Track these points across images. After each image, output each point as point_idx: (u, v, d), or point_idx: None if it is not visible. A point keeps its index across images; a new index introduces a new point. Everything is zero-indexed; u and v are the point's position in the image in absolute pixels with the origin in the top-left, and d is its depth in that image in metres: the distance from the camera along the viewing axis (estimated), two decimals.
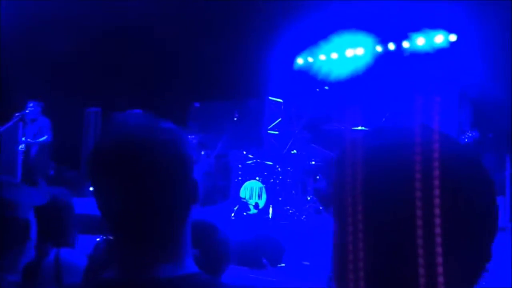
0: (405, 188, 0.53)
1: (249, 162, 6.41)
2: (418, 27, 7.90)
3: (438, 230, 0.51)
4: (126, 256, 0.79)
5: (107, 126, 0.83)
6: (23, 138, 6.96)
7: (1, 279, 1.25)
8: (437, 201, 0.52)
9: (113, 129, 0.81)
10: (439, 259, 0.51)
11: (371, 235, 0.54)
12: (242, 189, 6.11)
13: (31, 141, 6.96)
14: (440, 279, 0.51)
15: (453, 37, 7.65)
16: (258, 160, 6.41)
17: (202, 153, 7.75)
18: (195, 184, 0.83)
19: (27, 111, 6.92)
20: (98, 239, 1.83)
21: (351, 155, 0.58)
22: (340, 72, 8.88)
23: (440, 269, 0.51)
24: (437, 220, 0.51)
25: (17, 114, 6.85)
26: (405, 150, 0.55)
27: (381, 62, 8.61)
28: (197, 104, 9.38)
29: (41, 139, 7.00)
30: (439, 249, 0.51)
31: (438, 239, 0.51)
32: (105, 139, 0.81)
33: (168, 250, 0.79)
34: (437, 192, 0.52)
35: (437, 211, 0.51)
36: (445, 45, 7.76)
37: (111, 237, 1.50)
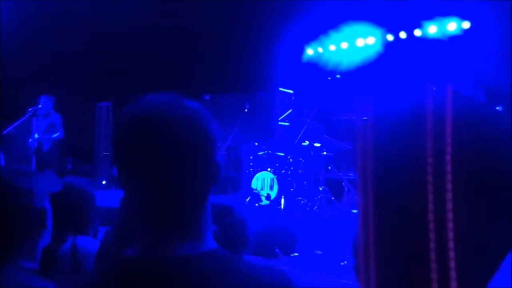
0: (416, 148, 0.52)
1: (261, 153, 6.41)
2: (430, 15, 7.79)
3: (468, 205, 0.50)
4: (147, 234, 0.80)
5: (134, 103, 0.82)
6: (36, 136, 7.02)
7: (19, 266, 1.27)
8: (448, 157, 0.50)
9: (137, 107, 0.81)
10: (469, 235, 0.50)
11: (393, 214, 0.54)
12: (253, 180, 6.12)
13: (43, 137, 7.01)
14: (450, 244, 0.50)
15: (466, 25, 7.53)
16: (270, 151, 6.40)
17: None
18: (218, 165, 0.82)
19: (39, 106, 6.97)
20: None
21: (369, 138, 0.57)
22: (350, 61, 8.81)
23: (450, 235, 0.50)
24: (468, 195, 0.50)
25: (30, 109, 6.91)
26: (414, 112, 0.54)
27: (392, 51, 8.52)
28: (207, 97, 9.39)
29: (53, 136, 7.05)
30: (466, 226, 0.50)
31: (467, 213, 0.50)
32: (131, 113, 0.80)
33: (188, 228, 0.80)
34: (467, 165, 0.50)
35: (467, 186, 0.50)
36: (458, 32, 7.64)
37: (120, 225, 1.52)
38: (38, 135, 7.04)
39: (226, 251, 0.81)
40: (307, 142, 6.11)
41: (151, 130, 0.76)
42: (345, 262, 3.53)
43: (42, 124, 7.06)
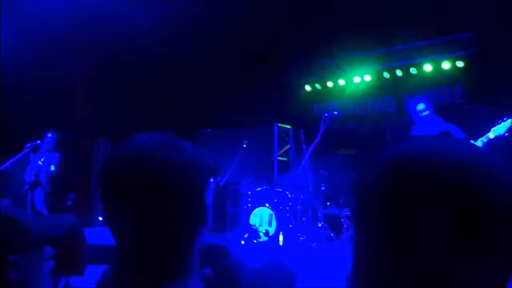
0: (435, 198, 0.51)
1: (259, 189, 6.37)
2: (425, 53, 7.96)
3: (470, 242, 0.49)
4: (133, 275, 0.77)
5: (124, 142, 0.82)
6: (40, 162, 6.96)
7: None
8: (469, 211, 0.50)
9: (128, 146, 0.80)
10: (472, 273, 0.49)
11: (400, 248, 0.53)
12: (252, 216, 6.05)
13: (41, 167, 6.97)
14: None
15: (460, 63, 7.69)
16: (268, 187, 6.37)
17: (212, 180, 7.73)
18: (206, 207, 0.81)
19: (38, 142, 6.96)
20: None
21: (375, 166, 0.57)
22: (347, 97, 8.93)
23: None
24: (470, 231, 0.50)
25: (28, 145, 6.89)
26: (435, 157, 0.54)
27: (389, 87, 8.64)
28: (206, 131, 9.44)
29: (48, 170, 7.02)
30: (470, 263, 0.49)
31: (470, 252, 0.49)
32: (118, 156, 0.80)
33: (174, 269, 0.78)
34: (470, 203, 0.50)
35: (470, 222, 0.50)
36: (453, 70, 7.79)
37: (118, 264, 1.48)
38: (35, 170, 7.00)
39: None
40: (304, 177, 6.09)
41: (141, 170, 0.75)
42: None
43: (39, 158, 7.03)
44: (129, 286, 0.76)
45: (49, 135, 7.01)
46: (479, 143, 3.93)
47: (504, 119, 3.83)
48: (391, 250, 0.53)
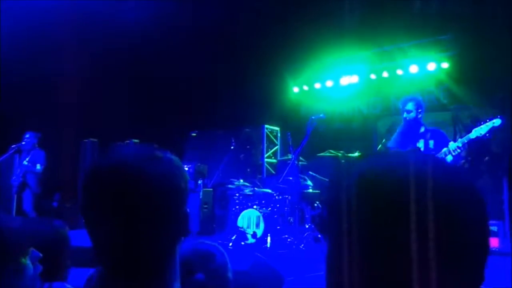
0: (397, 211, 0.53)
1: (247, 191, 6.38)
2: (411, 55, 8.05)
3: (432, 254, 0.51)
4: (112, 282, 0.78)
5: (103, 154, 0.83)
6: (25, 162, 6.86)
7: None
8: (431, 225, 0.52)
9: (109, 157, 0.81)
10: (434, 283, 0.51)
11: (366, 257, 0.54)
12: (239, 218, 6.05)
13: (28, 167, 6.87)
14: None
15: (445, 64, 7.79)
16: (256, 189, 6.38)
17: (200, 182, 7.72)
18: (186, 216, 0.82)
19: (23, 143, 6.88)
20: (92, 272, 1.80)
21: (345, 178, 0.58)
22: (334, 99, 8.98)
23: None
24: (431, 244, 0.51)
25: (13, 146, 6.81)
26: (398, 173, 0.56)
27: (375, 89, 8.72)
28: (194, 133, 9.42)
29: (34, 169, 6.92)
30: (433, 273, 0.51)
31: (432, 263, 0.51)
32: (99, 167, 0.81)
33: (154, 278, 0.78)
34: (431, 216, 0.52)
35: (431, 235, 0.52)
36: (438, 72, 7.89)
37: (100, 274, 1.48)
38: (22, 171, 6.91)
39: None
40: (291, 178, 6.11)
41: (120, 181, 0.76)
42: None
43: (24, 159, 6.94)
44: None
45: (27, 135, 6.90)
46: (459, 143, 3.99)
47: (487, 120, 3.89)
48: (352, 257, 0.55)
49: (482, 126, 3.90)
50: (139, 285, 0.77)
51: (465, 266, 0.55)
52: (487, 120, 3.91)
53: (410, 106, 4.41)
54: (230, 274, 1.95)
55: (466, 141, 3.96)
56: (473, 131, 3.96)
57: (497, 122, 3.86)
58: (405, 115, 4.42)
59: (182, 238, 0.83)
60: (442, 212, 0.53)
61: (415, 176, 0.55)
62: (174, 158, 0.83)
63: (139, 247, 0.77)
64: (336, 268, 0.58)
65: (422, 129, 4.38)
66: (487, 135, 3.85)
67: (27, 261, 1.29)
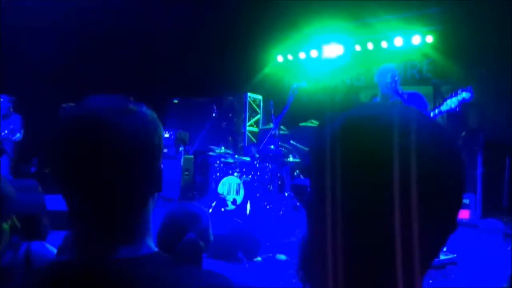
0: (380, 157, 0.55)
1: (227, 158, 6.41)
2: (396, 27, 8.03)
3: (413, 201, 0.53)
4: (84, 238, 0.78)
5: (73, 106, 0.81)
6: (4, 133, 6.74)
7: None
8: (413, 173, 0.53)
9: (79, 109, 0.79)
10: (415, 232, 0.53)
11: (347, 202, 0.56)
12: (220, 185, 6.10)
13: (6, 135, 6.75)
14: (416, 249, 0.53)
15: (430, 38, 7.81)
16: (236, 156, 6.41)
17: (181, 149, 7.71)
18: (159, 172, 0.81)
19: None
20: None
21: (329, 125, 0.59)
22: (319, 69, 8.96)
23: (415, 242, 0.53)
24: (413, 191, 0.53)
25: None
26: (382, 120, 0.57)
27: (359, 60, 8.72)
28: (176, 100, 9.32)
29: (14, 137, 6.81)
30: (414, 221, 0.53)
31: (414, 212, 0.53)
32: (69, 119, 0.79)
33: (127, 233, 0.78)
34: (413, 164, 0.53)
35: (412, 182, 0.53)
36: (422, 45, 7.92)
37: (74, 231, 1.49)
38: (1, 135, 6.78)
39: (165, 255, 0.81)
40: (272, 147, 6.15)
41: (90, 134, 0.75)
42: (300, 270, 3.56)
43: (2, 125, 6.81)
44: (84, 250, 0.77)
45: (1, 99, 6.74)
46: (431, 114, 4.05)
47: (459, 92, 3.93)
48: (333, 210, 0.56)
49: (453, 98, 3.94)
50: (111, 241, 0.77)
51: (442, 215, 0.58)
52: (458, 92, 3.95)
53: (386, 78, 4.42)
54: (211, 236, 2.01)
55: (437, 112, 4.01)
56: (444, 103, 4.00)
57: (466, 95, 3.89)
58: (381, 87, 4.44)
59: (155, 194, 0.83)
60: (424, 161, 0.54)
61: (399, 123, 0.56)
62: (149, 112, 0.81)
63: (112, 202, 0.76)
64: (318, 212, 0.59)
65: (400, 92, 4.40)
66: (457, 109, 3.90)
67: (7, 226, 1.28)
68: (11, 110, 6.86)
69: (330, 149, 0.57)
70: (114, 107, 0.78)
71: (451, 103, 3.93)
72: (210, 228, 1.98)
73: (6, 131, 6.73)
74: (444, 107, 3.97)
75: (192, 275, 0.78)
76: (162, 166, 0.82)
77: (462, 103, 3.89)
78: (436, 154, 0.56)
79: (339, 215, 0.56)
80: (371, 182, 0.55)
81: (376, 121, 0.57)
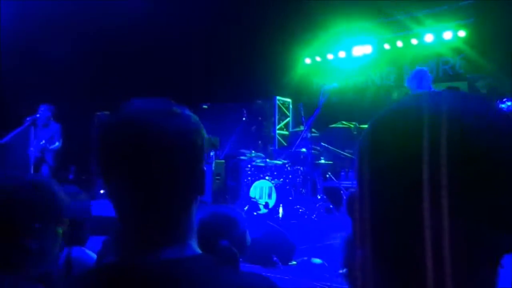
0: (410, 156, 0.51)
1: (258, 161, 6.41)
2: (426, 23, 7.85)
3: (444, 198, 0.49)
4: (130, 240, 0.79)
5: (121, 108, 0.82)
6: (42, 142, 6.98)
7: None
8: (443, 170, 0.49)
9: (125, 112, 0.80)
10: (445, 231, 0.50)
11: (381, 212, 0.54)
12: (252, 189, 6.10)
13: (43, 147, 6.98)
14: (446, 250, 0.50)
15: (462, 33, 7.59)
16: (268, 160, 6.40)
17: (212, 153, 7.76)
18: (202, 174, 0.81)
19: (37, 115, 6.96)
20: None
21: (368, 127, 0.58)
22: (347, 70, 8.86)
23: (446, 240, 0.50)
24: (444, 183, 0.49)
25: (28, 118, 6.89)
26: (411, 115, 0.53)
27: (389, 59, 8.57)
28: (206, 105, 9.40)
29: (53, 146, 7.03)
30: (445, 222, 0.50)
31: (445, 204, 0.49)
32: (115, 122, 0.80)
33: (171, 234, 0.79)
34: (443, 161, 0.49)
35: (444, 174, 0.49)
36: (454, 40, 7.70)
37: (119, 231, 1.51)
38: (36, 145, 7.01)
39: (209, 256, 0.81)
40: (304, 150, 6.11)
41: (136, 135, 0.76)
42: (344, 270, 3.51)
43: (41, 134, 7.05)
44: (130, 252, 0.78)
45: (42, 108, 6.97)
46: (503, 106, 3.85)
47: (504, 100, 3.73)
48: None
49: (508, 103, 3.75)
50: (156, 242, 0.78)
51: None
52: (504, 101, 3.76)
53: (417, 82, 4.33)
54: (249, 240, 1.98)
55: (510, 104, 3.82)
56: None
57: None
58: (413, 92, 4.35)
59: (198, 196, 0.83)
60: (465, 146, 0.49)
61: (428, 113, 0.51)
62: (192, 115, 0.82)
63: (157, 203, 0.77)
64: (357, 211, 0.57)
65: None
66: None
67: (60, 231, 1.31)
68: (51, 119, 7.09)
69: (362, 150, 0.56)
70: (158, 109, 0.79)
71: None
72: (247, 232, 1.96)
73: (43, 141, 6.95)
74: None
75: (236, 276, 0.79)
76: (205, 168, 0.82)
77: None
78: (481, 135, 0.49)
79: (370, 216, 0.54)
80: (401, 182, 0.51)
81: (404, 115, 0.54)
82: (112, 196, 0.79)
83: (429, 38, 7.94)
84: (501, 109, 0.54)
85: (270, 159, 6.52)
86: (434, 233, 0.50)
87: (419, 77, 4.33)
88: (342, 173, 7.17)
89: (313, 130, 6.51)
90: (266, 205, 5.88)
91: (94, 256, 1.72)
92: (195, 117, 0.82)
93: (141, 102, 0.81)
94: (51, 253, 1.21)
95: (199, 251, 0.81)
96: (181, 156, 0.77)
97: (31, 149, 7.02)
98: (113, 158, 0.77)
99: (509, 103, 3.73)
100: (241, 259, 1.75)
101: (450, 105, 0.52)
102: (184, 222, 0.81)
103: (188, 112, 0.82)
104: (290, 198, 5.98)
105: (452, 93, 0.55)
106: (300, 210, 5.84)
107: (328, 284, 3.32)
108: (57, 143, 7.03)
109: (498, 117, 0.52)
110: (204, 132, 0.82)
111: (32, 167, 7.15)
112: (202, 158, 0.82)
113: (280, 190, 5.91)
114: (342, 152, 6.70)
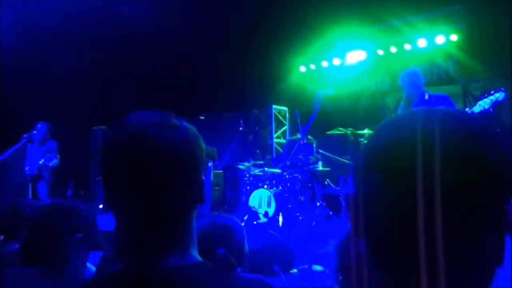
0: (405, 171, 0.52)
1: (257, 171, 6.41)
2: (419, 29, 7.92)
3: (438, 211, 0.50)
4: (133, 248, 0.81)
5: (119, 122, 0.85)
6: (41, 161, 6.98)
7: None
8: (437, 183, 0.50)
9: (124, 125, 0.83)
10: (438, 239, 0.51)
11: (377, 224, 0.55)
12: (251, 198, 6.10)
13: (45, 163, 6.98)
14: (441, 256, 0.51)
15: (454, 37, 7.66)
16: (266, 169, 6.41)
17: (210, 164, 7.76)
18: (201, 184, 0.83)
19: (34, 132, 6.96)
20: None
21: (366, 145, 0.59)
22: (342, 76, 8.91)
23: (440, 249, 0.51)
24: (437, 201, 0.50)
25: (25, 135, 6.89)
26: (405, 133, 0.55)
27: (383, 64, 8.63)
28: (202, 117, 9.43)
29: (51, 163, 7.03)
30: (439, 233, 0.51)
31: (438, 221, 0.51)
32: (115, 135, 0.83)
33: (174, 242, 0.81)
34: (437, 175, 0.50)
35: (437, 194, 0.50)
36: (447, 44, 7.77)
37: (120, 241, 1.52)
38: (33, 162, 7.00)
39: (210, 264, 0.82)
40: (301, 157, 6.12)
41: (137, 149, 0.78)
42: (339, 277, 3.49)
43: (38, 151, 7.03)
44: (133, 259, 0.79)
45: (39, 125, 6.97)
46: None
47: (492, 92, 3.82)
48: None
49: (485, 99, 3.84)
50: (160, 249, 0.79)
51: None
52: (491, 93, 3.85)
53: (409, 80, 4.37)
54: (247, 249, 1.97)
55: None
56: (477, 104, 3.91)
57: (500, 96, 3.79)
58: (406, 90, 4.40)
59: (198, 205, 0.85)
60: (455, 163, 0.51)
61: (422, 129, 0.53)
62: (190, 126, 0.84)
63: (158, 212, 0.79)
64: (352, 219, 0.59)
65: (426, 96, 4.34)
66: (491, 109, 3.80)
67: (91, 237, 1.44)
68: (47, 136, 7.08)
69: (358, 166, 0.58)
70: (157, 121, 0.81)
71: (484, 104, 3.83)
72: (245, 242, 1.95)
73: (43, 160, 6.95)
74: (477, 108, 3.88)
75: (238, 282, 0.80)
76: (204, 178, 0.84)
77: (496, 103, 3.79)
78: (470, 152, 0.52)
79: (364, 224, 0.56)
80: (396, 197, 0.53)
81: (398, 135, 0.56)
82: (115, 207, 0.81)
83: (422, 43, 8.01)
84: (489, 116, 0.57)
85: (268, 167, 6.52)
86: (428, 239, 0.51)
87: (411, 76, 4.37)
88: (340, 179, 7.18)
89: (309, 137, 6.53)
90: (265, 214, 5.87)
91: (93, 269, 1.72)
92: (193, 129, 0.85)
93: (141, 115, 0.84)
94: (83, 263, 1.38)
95: (200, 258, 0.83)
96: (181, 167, 0.80)
97: (27, 168, 7.01)
98: (116, 170, 0.80)
99: (497, 95, 3.79)
100: (241, 269, 1.75)
101: (443, 124, 0.54)
102: (185, 229, 0.83)
103: (186, 124, 0.84)
104: (289, 206, 5.98)
105: (445, 111, 0.57)
106: (300, 218, 5.84)
107: None
108: (54, 160, 7.03)
109: (491, 135, 0.54)
110: (202, 143, 0.85)
111: (29, 184, 7.13)
112: (201, 168, 0.84)
113: (279, 198, 5.91)
114: (339, 158, 6.71)
